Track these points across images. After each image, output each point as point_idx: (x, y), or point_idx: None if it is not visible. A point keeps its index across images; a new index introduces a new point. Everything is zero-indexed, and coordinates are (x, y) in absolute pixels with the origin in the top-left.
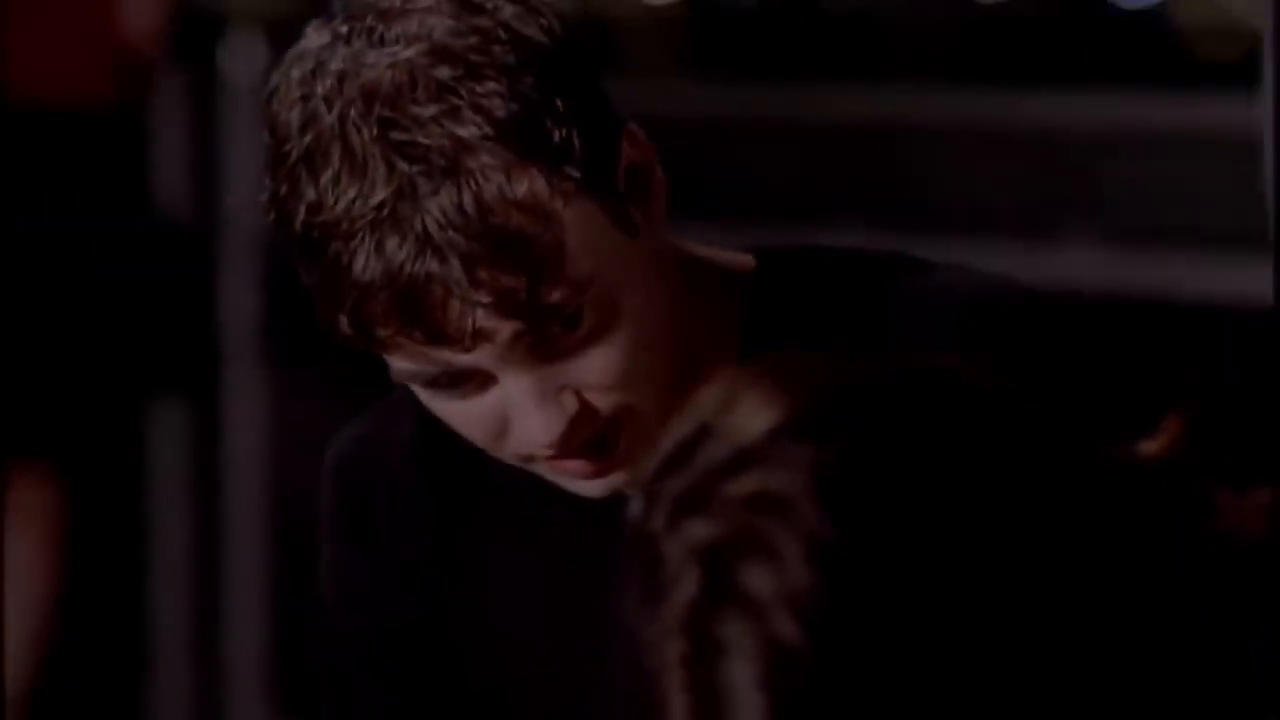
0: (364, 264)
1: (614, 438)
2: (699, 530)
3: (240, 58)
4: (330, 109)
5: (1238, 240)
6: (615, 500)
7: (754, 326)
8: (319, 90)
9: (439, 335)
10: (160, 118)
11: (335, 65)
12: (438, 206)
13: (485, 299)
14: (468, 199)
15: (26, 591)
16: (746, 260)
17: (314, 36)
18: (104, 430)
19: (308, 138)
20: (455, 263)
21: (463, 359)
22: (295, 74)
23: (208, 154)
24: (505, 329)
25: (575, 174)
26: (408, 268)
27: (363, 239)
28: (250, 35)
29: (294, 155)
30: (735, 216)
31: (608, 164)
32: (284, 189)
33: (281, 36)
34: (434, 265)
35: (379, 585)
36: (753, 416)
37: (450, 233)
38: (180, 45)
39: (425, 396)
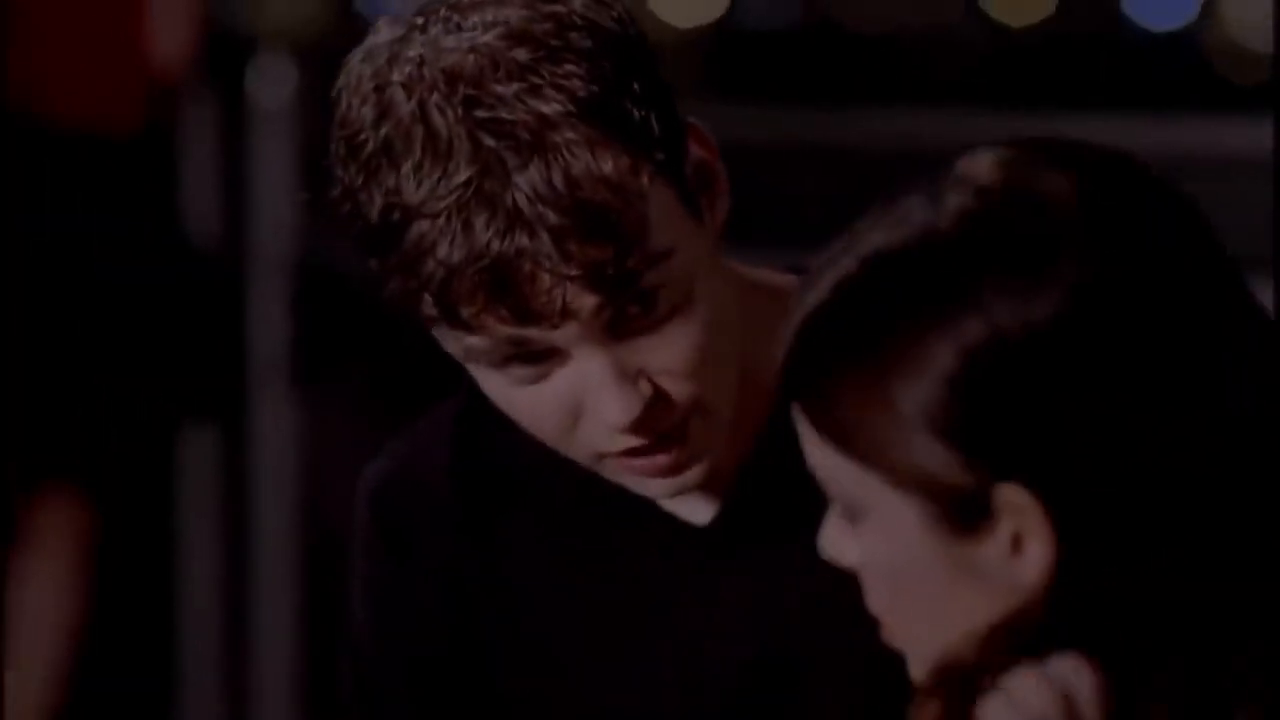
0: (450, 243)
1: (685, 431)
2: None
3: (269, 80)
4: (410, 95)
5: (1262, 262)
6: (654, 521)
7: None
8: (395, 78)
9: (526, 312)
10: (189, 140)
11: (412, 52)
12: (527, 182)
13: (574, 272)
14: (557, 174)
15: (56, 611)
16: (792, 281)
17: (385, 31)
18: (134, 451)
19: (385, 127)
20: (545, 237)
21: (547, 337)
22: (367, 68)
23: (237, 176)
24: (590, 303)
25: (657, 155)
26: (496, 244)
27: (449, 218)
28: (279, 58)
29: (370, 146)
30: (760, 237)
31: (680, 152)
32: (359, 180)
33: (310, 59)
34: (524, 240)
35: (415, 605)
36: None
37: (540, 207)
38: (209, 68)
39: (495, 385)
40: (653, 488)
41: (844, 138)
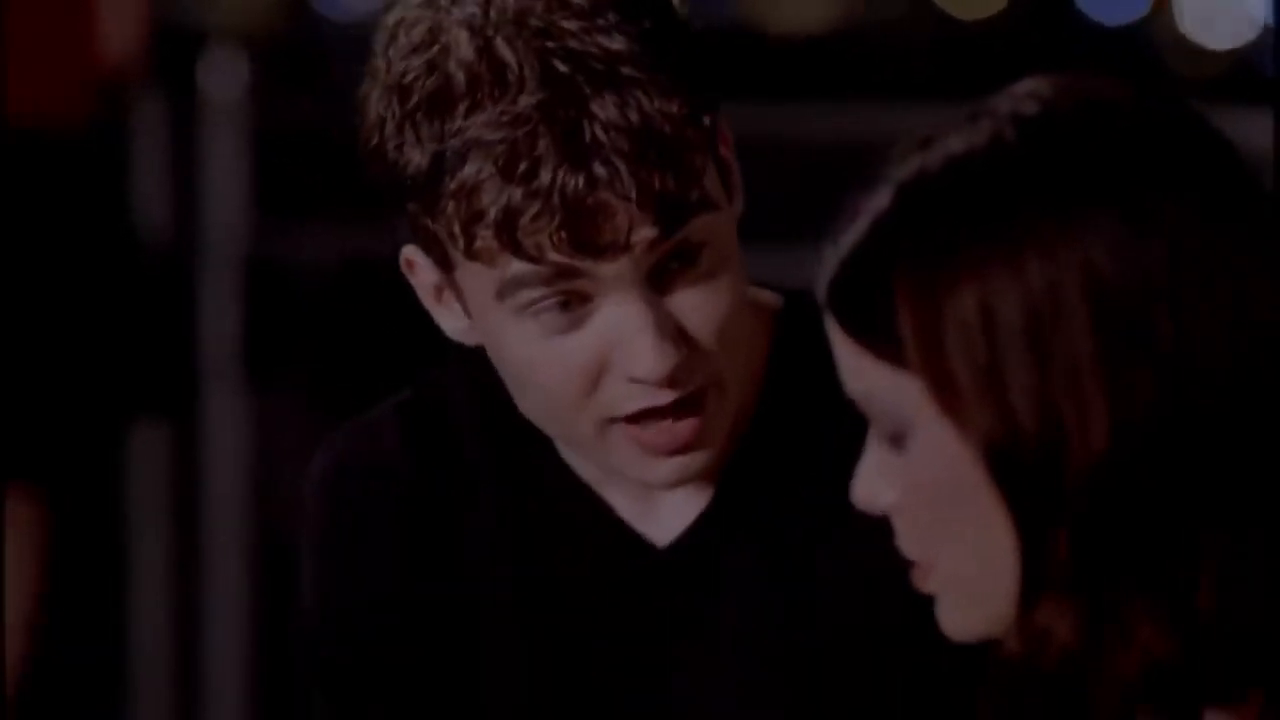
0: (517, 171)
1: (702, 403)
2: None
3: (220, 74)
4: (474, 34)
5: None
6: (611, 537)
7: (781, 363)
8: (455, 19)
9: (589, 243)
10: (140, 136)
11: None
12: (601, 109)
13: (644, 201)
14: (630, 105)
15: (9, 608)
16: (774, 298)
17: None
18: (85, 448)
19: (444, 66)
20: (621, 166)
21: (596, 271)
22: (414, 14)
23: (187, 172)
24: (649, 235)
25: (707, 116)
26: (568, 172)
27: (515, 145)
28: (230, 52)
29: (423, 87)
30: None
31: (716, 124)
32: (407, 124)
33: (261, 52)
34: (599, 168)
35: (371, 588)
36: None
37: (614, 135)
38: (160, 64)
39: (521, 338)
40: (658, 470)
41: (792, 132)
